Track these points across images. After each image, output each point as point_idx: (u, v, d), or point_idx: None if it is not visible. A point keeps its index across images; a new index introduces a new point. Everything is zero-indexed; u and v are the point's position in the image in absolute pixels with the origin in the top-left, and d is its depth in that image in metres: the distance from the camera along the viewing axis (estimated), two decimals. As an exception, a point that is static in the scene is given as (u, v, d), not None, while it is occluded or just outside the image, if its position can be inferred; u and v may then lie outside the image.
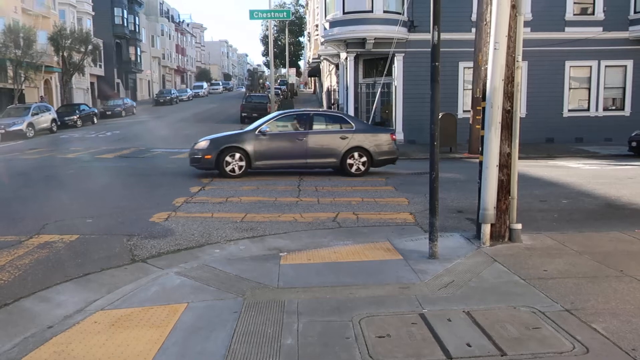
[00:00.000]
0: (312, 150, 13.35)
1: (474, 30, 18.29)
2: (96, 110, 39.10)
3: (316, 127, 13.75)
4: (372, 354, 3.77)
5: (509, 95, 6.47)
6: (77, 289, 5.46)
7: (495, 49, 6.23)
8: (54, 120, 30.88)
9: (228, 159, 12.97)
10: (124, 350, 3.95)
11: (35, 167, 15.80)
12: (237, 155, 13.00)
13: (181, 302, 4.91)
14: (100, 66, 52.17)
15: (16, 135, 26.67)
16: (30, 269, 6.08)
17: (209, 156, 12.93)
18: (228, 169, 12.96)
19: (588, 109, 23.63)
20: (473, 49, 17.46)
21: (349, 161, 13.39)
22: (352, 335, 4.10)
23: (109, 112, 41.55)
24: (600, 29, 22.68)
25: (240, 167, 13.03)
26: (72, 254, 6.66)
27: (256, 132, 13.30)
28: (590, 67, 23.28)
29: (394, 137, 14.13)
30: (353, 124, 13.84)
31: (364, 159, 13.45)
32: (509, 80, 6.45)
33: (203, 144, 13.30)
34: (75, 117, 34.14)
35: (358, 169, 13.42)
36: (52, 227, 8.00)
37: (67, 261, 6.38)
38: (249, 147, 13.08)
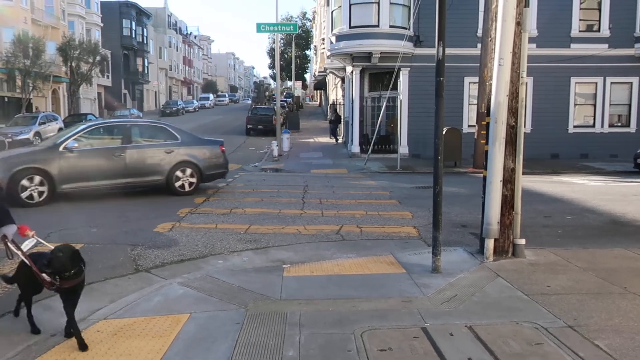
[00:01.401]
0: (132, 168, 11.44)
1: (479, 45, 18.37)
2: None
3: (136, 140, 11.89)
4: (373, 368, 3.77)
5: (513, 111, 6.50)
6: (81, 298, 5.46)
7: (499, 64, 6.27)
8: (60, 129, 31.06)
9: (25, 182, 10.35)
10: (126, 359, 3.96)
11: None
12: (37, 178, 10.46)
13: (184, 312, 4.92)
14: (107, 77, 52.63)
15: (23, 144, 26.83)
16: (34, 277, 6.09)
17: None
18: (24, 195, 10.33)
19: (593, 125, 23.62)
20: (478, 65, 17.52)
21: (177, 178, 11.83)
22: (353, 348, 4.09)
23: (116, 123, 41.76)
24: (606, 45, 22.74)
25: (40, 193, 10.48)
26: (76, 263, 6.67)
27: (61, 149, 10.95)
28: (596, 83, 23.29)
29: (223, 148, 12.84)
30: (178, 136, 12.22)
31: (193, 174, 11.98)
32: (514, 96, 6.48)
33: None
34: (82, 127, 34.32)
35: (184, 186, 11.92)
36: (56, 236, 8.03)
37: (71, 270, 6.39)
38: (52, 167, 10.66)
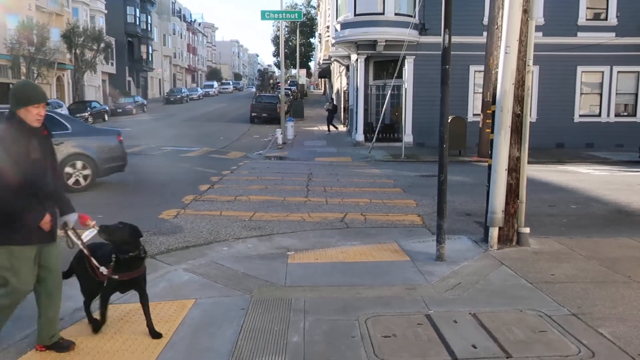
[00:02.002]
0: None
1: (485, 33, 18.25)
2: (107, 108, 39.41)
3: None
4: (377, 354, 3.79)
5: (519, 99, 6.47)
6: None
7: (506, 52, 6.24)
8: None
9: None
10: (132, 344, 4.00)
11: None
12: None
13: (189, 298, 4.96)
14: (112, 64, 52.52)
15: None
16: (40, 262, 6.14)
17: None
18: None
19: (599, 115, 23.47)
20: (484, 53, 17.41)
21: (67, 172, 10.60)
22: (358, 334, 4.12)
23: (120, 110, 41.82)
24: (613, 34, 22.53)
25: None
26: (82, 249, 6.71)
27: None
28: (603, 72, 23.11)
29: (120, 138, 11.70)
30: (68, 125, 11.01)
31: (87, 168, 10.85)
32: (520, 84, 6.45)
33: None
34: (86, 114, 34.37)
35: (78, 182, 10.78)
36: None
37: (77, 256, 6.44)
38: None
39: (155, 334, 4.11)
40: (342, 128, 31.08)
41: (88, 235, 4.15)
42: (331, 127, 28.65)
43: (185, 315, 4.53)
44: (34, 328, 4.38)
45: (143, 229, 7.66)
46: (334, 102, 32.42)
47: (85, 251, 4.06)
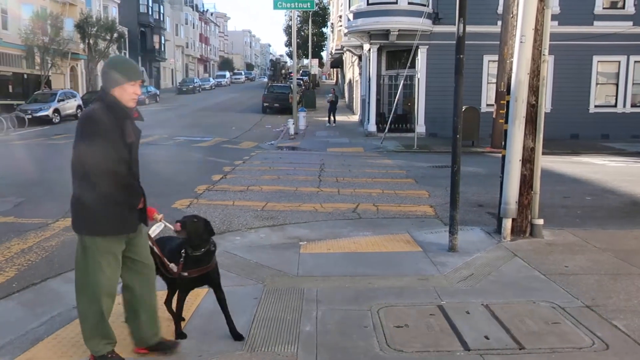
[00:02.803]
0: None
1: (499, 23, 18.02)
2: (120, 98, 39.54)
3: None
4: (389, 343, 3.80)
5: (534, 90, 6.41)
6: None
7: (521, 42, 6.17)
8: (79, 106, 31.30)
9: None
10: (147, 331, 4.03)
11: (61, 153, 16.09)
12: None
13: (202, 287, 4.98)
14: (125, 54, 52.71)
15: (42, 121, 27.15)
16: (56, 250, 6.23)
17: None
18: None
19: (615, 105, 23.15)
20: (498, 42, 17.21)
21: None
22: (370, 324, 4.13)
23: (133, 100, 41.95)
24: (631, 23, 22.14)
25: None
26: (97, 238, 6.79)
27: None
28: (619, 62, 22.76)
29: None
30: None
31: None
32: (535, 74, 6.38)
33: None
34: (100, 104, 34.56)
35: None
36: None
37: (91, 244, 6.51)
38: None
39: (236, 336, 3.88)
40: (353, 118, 30.91)
41: (156, 230, 3.93)
42: (331, 118, 28.40)
43: (199, 304, 4.57)
44: (50, 315, 4.46)
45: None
46: (336, 93, 32.21)
47: (155, 248, 3.75)
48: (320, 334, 3.99)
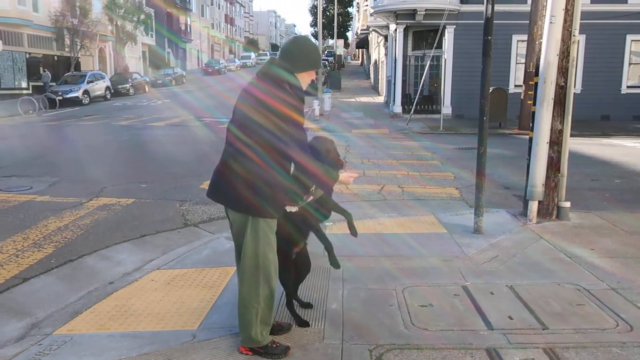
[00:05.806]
0: None
1: (529, 1, 17.66)
2: (148, 79, 40.05)
3: None
4: (414, 322, 3.89)
5: (563, 71, 6.33)
6: (135, 249, 5.79)
7: (551, 22, 6.08)
8: (107, 88, 31.85)
9: None
10: (180, 307, 4.21)
11: (92, 133, 16.46)
12: None
13: (231, 265, 5.09)
14: (151, 36, 53.10)
15: (72, 102, 27.70)
16: (91, 228, 6.46)
17: None
18: None
19: (648, 86, 22.58)
20: (528, 22, 16.89)
21: None
22: (395, 303, 4.22)
23: (160, 81, 42.45)
24: (667, 0, 21.46)
25: None
26: (129, 217, 7.02)
27: None
28: (654, 41, 22.13)
29: None
30: None
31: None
32: (564, 55, 6.30)
33: None
34: (127, 85, 35.07)
35: None
36: (110, 191, 8.41)
37: (124, 223, 6.74)
38: None
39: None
40: (379, 99, 30.72)
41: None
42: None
43: (229, 281, 4.71)
44: (87, 290, 4.66)
45: (185, 198, 7.95)
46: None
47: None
48: (346, 311, 4.09)
